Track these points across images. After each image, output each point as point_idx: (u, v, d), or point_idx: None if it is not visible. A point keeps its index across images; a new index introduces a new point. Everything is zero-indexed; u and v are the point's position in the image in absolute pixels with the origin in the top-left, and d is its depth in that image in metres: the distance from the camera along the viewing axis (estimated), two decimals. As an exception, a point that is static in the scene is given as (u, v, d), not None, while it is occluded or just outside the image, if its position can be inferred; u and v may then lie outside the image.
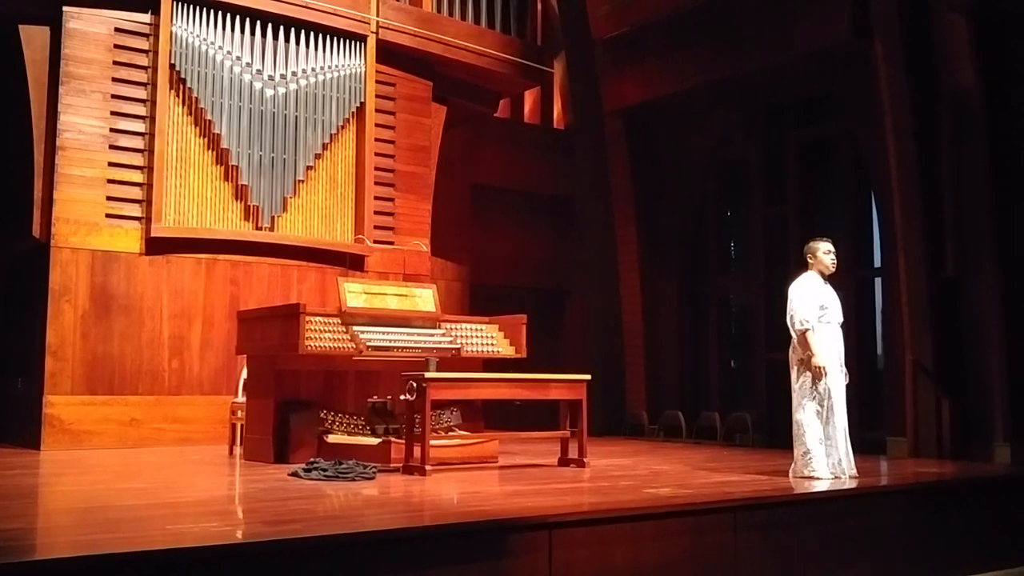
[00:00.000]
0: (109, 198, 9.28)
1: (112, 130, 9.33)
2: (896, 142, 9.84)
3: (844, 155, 11.55)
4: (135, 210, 9.41)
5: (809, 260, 6.90)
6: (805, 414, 6.64)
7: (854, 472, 6.56)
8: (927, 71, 9.75)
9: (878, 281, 10.91)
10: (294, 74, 10.24)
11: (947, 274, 9.58)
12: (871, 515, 5.98)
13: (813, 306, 6.67)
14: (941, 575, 6.12)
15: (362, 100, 10.65)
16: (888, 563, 5.92)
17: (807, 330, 6.62)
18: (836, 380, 6.64)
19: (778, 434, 10.74)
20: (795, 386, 6.74)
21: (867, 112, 10.50)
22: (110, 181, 9.29)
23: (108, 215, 9.28)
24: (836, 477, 6.50)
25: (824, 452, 6.56)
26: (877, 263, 10.98)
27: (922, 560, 6.10)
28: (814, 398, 6.62)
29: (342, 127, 10.57)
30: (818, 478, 6.47)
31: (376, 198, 10.73)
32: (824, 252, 6.85)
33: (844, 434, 6.60)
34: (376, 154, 10.75)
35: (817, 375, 6.59)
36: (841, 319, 6.86)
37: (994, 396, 9.20)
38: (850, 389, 6.97)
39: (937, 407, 9.28)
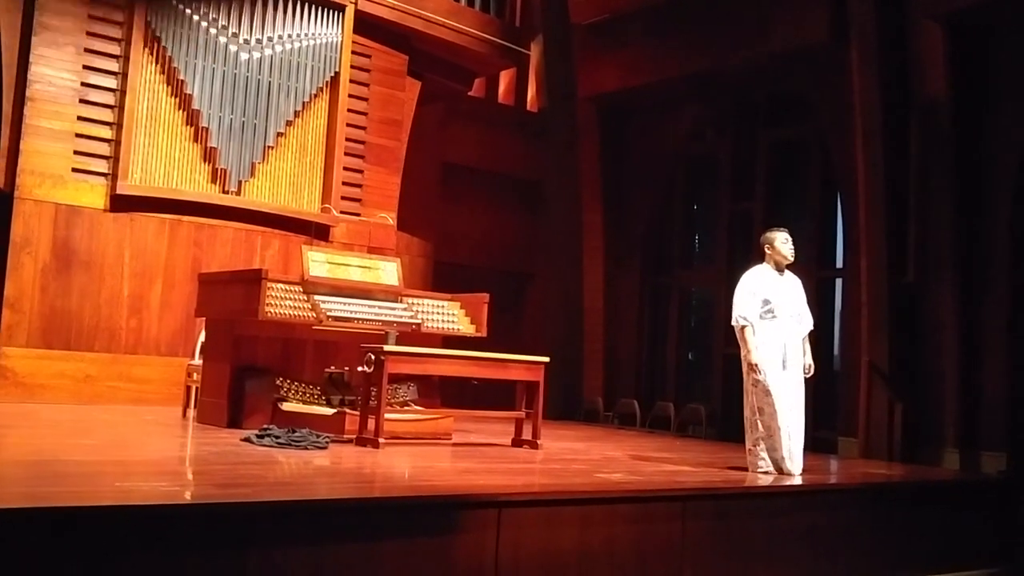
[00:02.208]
0: (76, 152, 9.17)
1: (83, 84, 9.21)
2: (865, 146, 9.95)
3: (812, 156, 11.66)
4: (102, 166, 9.30)
5: (766, 251, 6.70)
6: (746, 411, 6.61)
7: (797, 471, 6.47)
8: (900, 78, 9.85)
9: (839, 282, 11.05)
10: (270, 39, 10.15)
11: (907, 279, 9.71)
12: (818, 512, 6.05)
13: (754, 301, 6.53)
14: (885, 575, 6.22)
15: (337, 70, 10.58)
16: (832, 561, 6.00)
17: (744, 327, 6.54)
18: (775, 377, 6.47)
19: (732, 428, 10.85)
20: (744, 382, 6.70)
21: (838, 115, 10.61)
22: (78, 135, 9.17)
23: (74, 169, 9.17)
24: (781, 473, 6.46)
25: (765, 448, 6.51)
26: (839, 264, 11.11)
27: (866, 560, 6.18)
28: (754, 395, 6.56)
29: (315, 95, 10.49)
30: (764, 473, 6.49)
31: (345, 169, 10.68)
32: (781, 242, 6.65)
33: (788, 433, 6.44)
34: (348, 125, 10.70)
35: (751, 372, 6.55)
36: (799, 312, 6.65)
37: (946, 402, 9.35)
38: (804, 387, 6.79)
39: (890, 410, 9.42)
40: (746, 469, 6.61)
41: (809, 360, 6.70)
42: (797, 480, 6.39)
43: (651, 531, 5.15)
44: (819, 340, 10.85)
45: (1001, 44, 9.60)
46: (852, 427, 9.85)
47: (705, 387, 12.50)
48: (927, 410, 9.44)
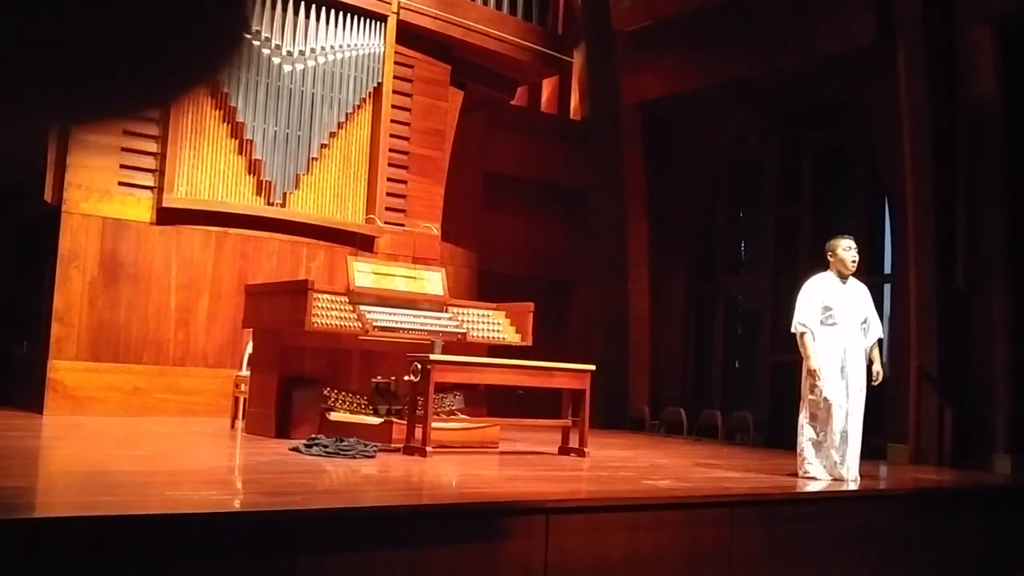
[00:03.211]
0: (122, 166, 9.29)
1: (129, 98, 9.32)
2: (912, 150, 9.80)
3: (860, 161, 11.50)
4: (148, 179, 9.42)
5: (829, 258, 6.74)
6: (801, 416, 6.62)
7: (852, 477, 6.47)
8: (948, 80, 9.69)
9: (887, 287, 10.88)
10: (313, 51, 10.23)
11: (957, 284, 9.55)
12: (868, 518, 5.97)
13: (814, 308, 6.56)
14: (935, 582, 6.11)
15: (380, 80, 10.64)
16: (883, 567, 5.91)
17: (803, 333, 6.55)
18: (833, 384, 6.51)
19: (779, 435, 10.72)
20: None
21: (885, 119, 10.45)
22: (124, 149, 9.29)
23: (120, 183, 9.29)
24: (834, 479, 6.44)
25: (818, 455, 6.50)
26: (887, 269, 10.95)
27: (916, 566, 6.09)
28: (810, 401, 6.56)
29: (358, 107, 10.55)
30: (813, 478, 6.44)
31: (389, 180, 10.72)
32: (844, 249, 6.69)
33: (845, 438, 6.47)
34: (391, 135, 10.74)
35: (808, 378, 6.53)
36: (863, 319, 6.65)
37: (997, 406, 9.19)
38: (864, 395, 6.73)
39: (940, 415, 9.26)
40: (795, 475, 6.54)
41: (878, 367, 6.71)
42: (848, 486, 6.32)
43: (699, 537, 5.09)
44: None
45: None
46: (902, 433, 9.70)
47: (752, 395, 12.36)
48: (977, 415, 9.27)
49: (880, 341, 6.80)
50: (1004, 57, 9.38)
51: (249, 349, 8.46)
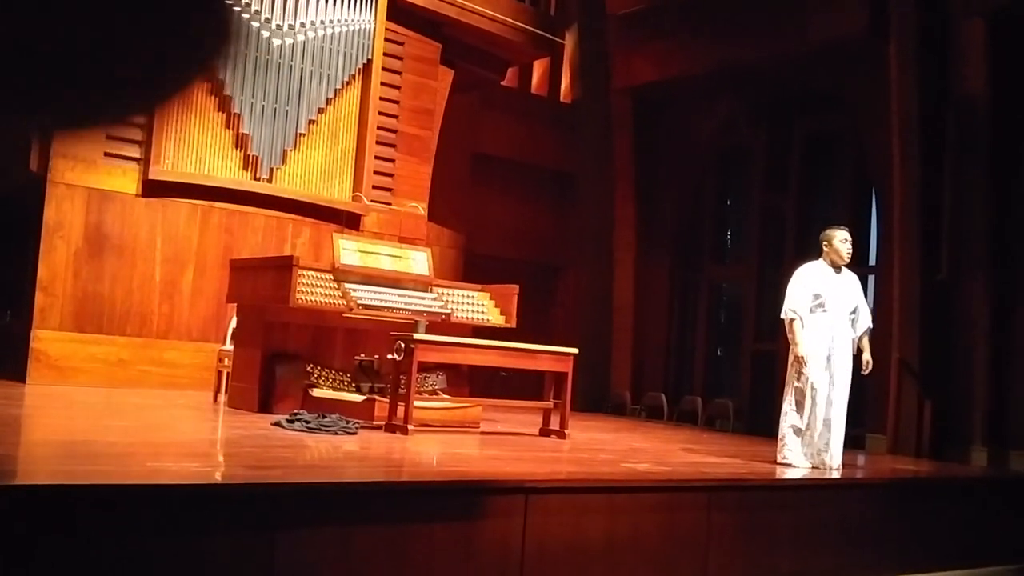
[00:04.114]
0: (109, 137, 9.23)
1: (117, 68, 9.26)
2: (901, 142, 9.84)
3: (847, 151, 11.55)
4: (134, 151, 9.36)
5: (824, 247, 6.79)
6: (785, 402, 6.68)
7: (835, 465, 6.52)
8: (938, 74, 9.73)
9: (871, 278, 10.94)
10: (303, 25, 10.16)
11: (940, 276, 9.62)
12: (844, 506, 6.03)
13: (805, 295, 6.62)
14: (908, 570, 6.17)
15: (369, 57, 10.59)
16: (858, 555, 5.97)
17: (792, 320, 6.61)
18: (819, 371, 6.57)
19: (759, 423, 10.80)
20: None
21: (874, 110, 10.48)
22: (111, 120, 9.22)
23: (107, 154, 9.23)
24: (814, 467, 6.50)
25: (800, 442, 6.56)
26: (872, 260, 11.01)
27: (892, 554, 6.15)
28: (796, 388, 6.61)
29: (347, 83, 10.51)
30: (791, 465, 6.50)
31: (376, 158, 10.69)
32: (841, 240, 6.73)
33: (828, 426, 6.52)
34: (380, 113, 10.71)
35: (796, 364, 6.59)
36: (854, 309, 6.70)
37: (975, 400, 9.29)
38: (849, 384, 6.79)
39: (919, 407, 9.35)
40: (774, 462, 6.60)
41: (868, 357, 6.78)
42: (828, 474, 6.38)
43: (677, 520, 5.14)
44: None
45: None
46: (881, 423, 9.79)
47: (733, 382, 12.45)
48: (956, 407, 9.37)
49: (869, 331, 6.86)
50: (995, 52, 9.42)
51: (233, 324, 8.45)
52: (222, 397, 8.30)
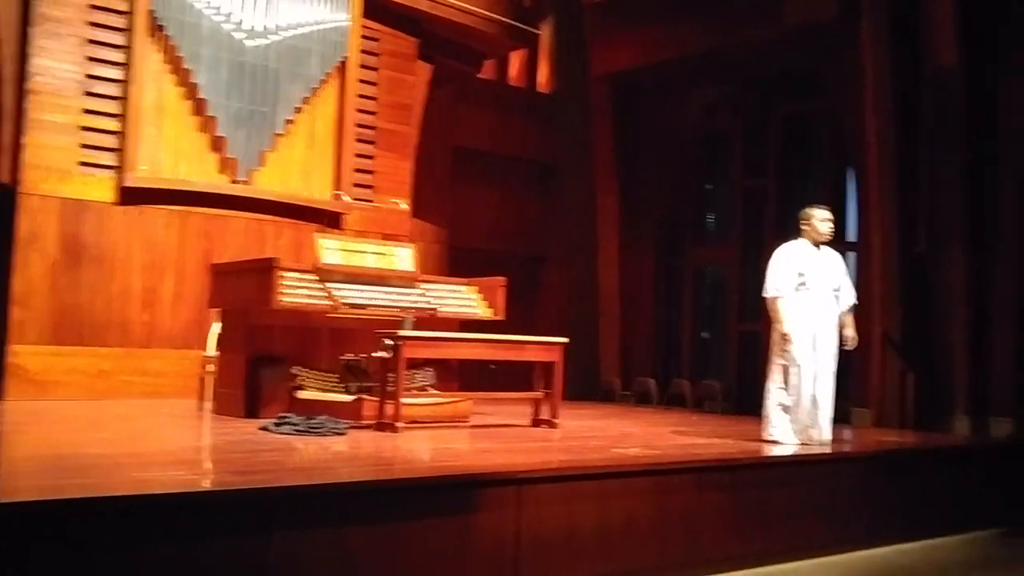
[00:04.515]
0: (82, 146, 9.11)
1: (87, 76, 9.14)
2: (876, 119, 9.91)
3: (824, 131, 11.60)
4: (109, 159, 9.26)
5: (803, 227, 6.82)
6: (770, 380, 6.72)
7: (826, 440, 6.57)
8: (912, 51, 9.79)
9: (852, 255, 10.98)
10: (277, 26, 10.09)
11: (919, 249, 9.70)
12: (833, 480, 6.07)
13: (788, 273, 6.65)
14: (898, 540, 6.22)
15: (345, 55, 10.52)
16: (848, 527, 6.02)
17: (776, 298, 6.64)
18: (804, 348, 6.60)
19: (747, 402, 10.83)
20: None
21: (849, 89, 10.52)
22: (84, 128, 9.11)
23: (81, 163, 9.11)
24: (801, 443, 6.53)
25: (787, 418, 6.60)
26: (852, 237, 11.05)
27: (880, 525, 6.22)
28: (780, 365, 6.66)
29: (324, 81, 10.43)
30: (777, 442, 6.54)
31: (356, 155, 10.63)
32: (820, 219, 6.80)
33: (814, 402, 6.57)
34: (358, 110, 10.64)
35: (781, 342, 6.63)
36: (836, 286, 6.75)
37: (957, 369, 9.41)
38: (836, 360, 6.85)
39: (902, 379, 9.48)
40: (761, 440, 6.63)
41: (851, 333, 6.82)
42: (816, 449, 6.42)
43: (669, 503, 5.15)
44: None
45: (1011, 14, 9.52)
46: (865, 397, 9.87)
47: (720, 364, 12.50)
48: (938, 379, 9.48)
49: (853, 307, 6.90)
50: (965, 26, 9.47)
51: (216, 329, 8.39)
52: (207, 404, 8.24)
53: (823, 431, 6.59)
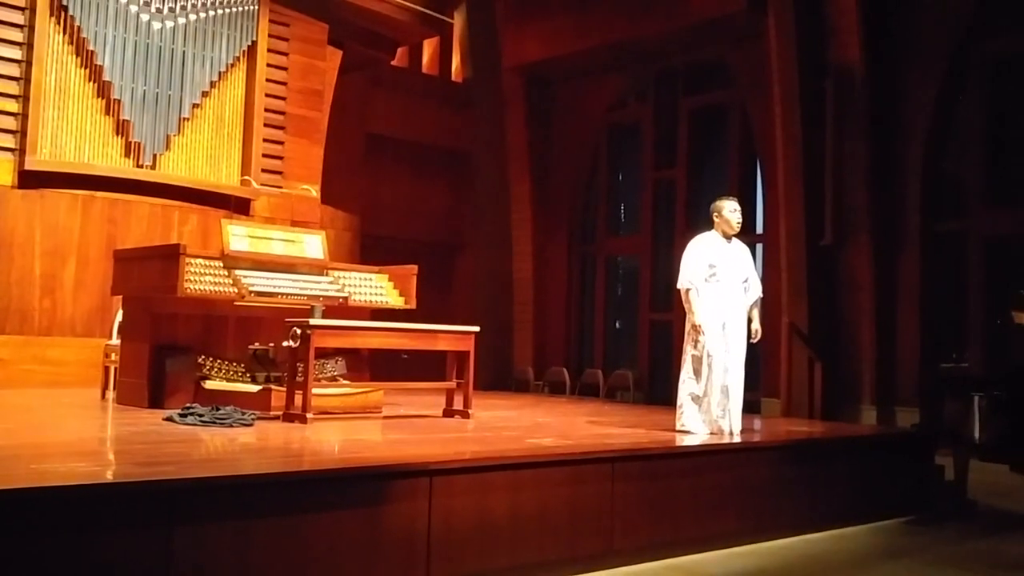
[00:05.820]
0: (-20, 127, 8.82)
1: (-15, 55, 8.84)
2: (783, 112, 10.09)
3: (733, 123, 11.79)
4: (8, 141, 8.96)
5: (715, 219, 6.88)
6: (683, 370, 6.79)
7: (736, 430, 6.65)
8: (817, 45, 9.99)
9: (759, 247, 11.20)
10: (183, 8, 9.85)
11: (825, 241, 9.91)
12: (744, 470, 6.16)
13: (700, 265, 6.72)
14: (808, 530, 6.35)
15: (254, 39, 10.33)
16: (758, 516, 6.11)
17: (688, 290, 6.71)
18: (715, 339, 6.69)
19: (658, 392, 10.99)
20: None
21: (757, 81, 10.73)
22: (-19, 109, 8.81)
23: (-22, 145, 8.81)
24: (712, 433, 6.61)
25: (698, 408, 6.68)
26: (759, 229, 11.27)
27: (791, 514, 6.32)
28: (692, 356, 6.73)
29: (232, 65, 10.24)
30: (689, 432, 6.62)
31: (265, 140, 10.47)
32: (729, 211, 6.84)
33: (726, 392, 6.64)
34: (267, 95, 10.48)
35: (693, 333, 6.70)
36: (745, 279, 6.83)
37: (863, 360, 9.63)
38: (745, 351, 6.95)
39: (810, 369, 9.65)
40: (674, 430, 6.70)
41: (757, 326, 6.91)
42: (726, 439, 6.51)
43: (582, 493, 5.16)
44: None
45: (911, 8, 9.79)
46: (774, 388, 10.06)
47: (632, 353, 12.63)
48: (846, 369, 9.69)
49: (760, 300, 7.00)
50: (867, 21, 9.72)
51: (119, 317, 8.16)
52: (110, 394, 8.01)
53: (734, 421, 6.66)
